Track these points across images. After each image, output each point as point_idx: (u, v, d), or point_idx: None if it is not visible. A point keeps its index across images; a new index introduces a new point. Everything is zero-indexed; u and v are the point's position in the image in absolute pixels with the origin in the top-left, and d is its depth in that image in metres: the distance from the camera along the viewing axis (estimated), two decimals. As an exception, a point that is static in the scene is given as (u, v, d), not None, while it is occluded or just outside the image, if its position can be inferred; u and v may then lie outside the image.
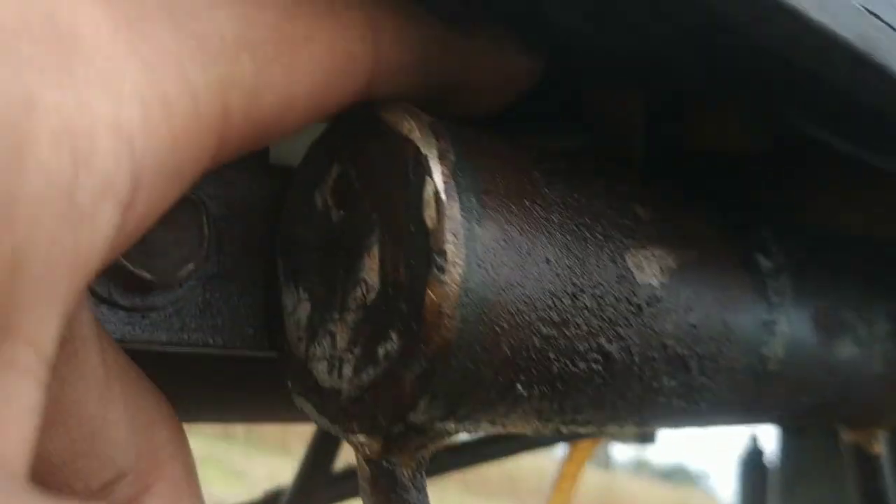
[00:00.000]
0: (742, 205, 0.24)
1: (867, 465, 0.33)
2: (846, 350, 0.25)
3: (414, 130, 0.16)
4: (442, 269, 0.15)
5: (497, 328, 0.16)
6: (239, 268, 0.19)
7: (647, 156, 0.24)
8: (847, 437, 0.33)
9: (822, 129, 0.23)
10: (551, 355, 0.17)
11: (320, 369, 0.18)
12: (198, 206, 0.18)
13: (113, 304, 0.17)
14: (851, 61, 0.17)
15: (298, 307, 0.19)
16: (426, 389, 0.16)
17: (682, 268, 0.20)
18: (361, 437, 0.17)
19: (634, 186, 0.20)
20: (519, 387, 0.17)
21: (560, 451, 0.54)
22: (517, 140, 0.19)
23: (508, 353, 0.16)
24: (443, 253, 0.15)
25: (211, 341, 0.19)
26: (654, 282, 0.19)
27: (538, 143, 0.20)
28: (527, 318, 0.16)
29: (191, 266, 0.18)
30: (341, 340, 0.17)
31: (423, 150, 0.16)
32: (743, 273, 0.22)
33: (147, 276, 0.17)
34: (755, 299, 0.22)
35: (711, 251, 0.21)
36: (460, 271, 0.15)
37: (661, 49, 0.21)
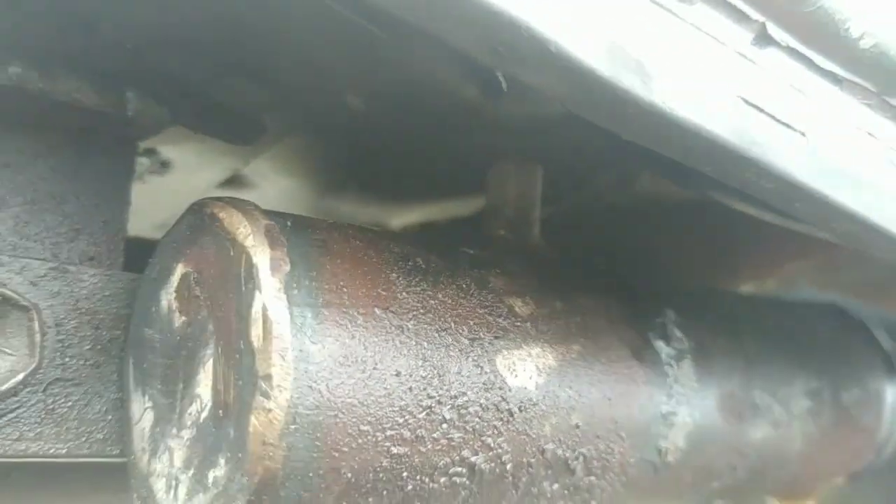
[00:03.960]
0: (643, 286, 0.23)
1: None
2: (759, 432, 0.24)
3: (248, 236, 0.15)
4: (267, 395, 0.14)
5: (335, 453, 0.15)
6: (87, 370, 0.18)
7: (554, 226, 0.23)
8: (777, 508, 0.32)
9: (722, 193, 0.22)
10: (404, 474, 0.16)
11: (159, 487, 0.16)
12: (28, 312, 0.17)
13: None
14: (725, 157, 0.16)
15: (143, 416, 0.17)
16: None
17: (563, 365, 0.19)
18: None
19: (514, 277, 0.19)
20: None
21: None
22: (382, 235, 0.18)
23: (351, 477, 0.15)
24: (268, 377, 0.14)
25: (52, 450, 0.17)
26: (530, 384, 0.18)
27: (415, 234, 0.19)
28: (372, 438, 0.15)
29: (19, 377, 0.16)
30: (178, 458, 0.16)
31: (255, 260, 0.15)
32: (637, 364, 0.20)
33: None
34: (651, 391, 0.21)
35: (601, 343, 0.20)
36: (287, 396, 0.14)
37: (556, 128, 0.20)
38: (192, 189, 0.27)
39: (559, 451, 0.18)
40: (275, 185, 0.28)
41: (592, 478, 0.20)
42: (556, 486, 0.19)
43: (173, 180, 0.27)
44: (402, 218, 0.31)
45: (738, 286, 0.33)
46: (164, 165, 0.26)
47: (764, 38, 0.16)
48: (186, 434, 0.16)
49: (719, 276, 0.32)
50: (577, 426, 0.19)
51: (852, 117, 0.17)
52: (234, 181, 0.28)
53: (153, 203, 0.26)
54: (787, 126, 0.15)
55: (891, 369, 0.31)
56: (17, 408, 0.17)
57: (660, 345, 0.21)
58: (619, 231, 0.28)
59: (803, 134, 0.16)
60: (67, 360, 0.18)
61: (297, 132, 0.23)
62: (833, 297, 0.34)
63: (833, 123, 0.17)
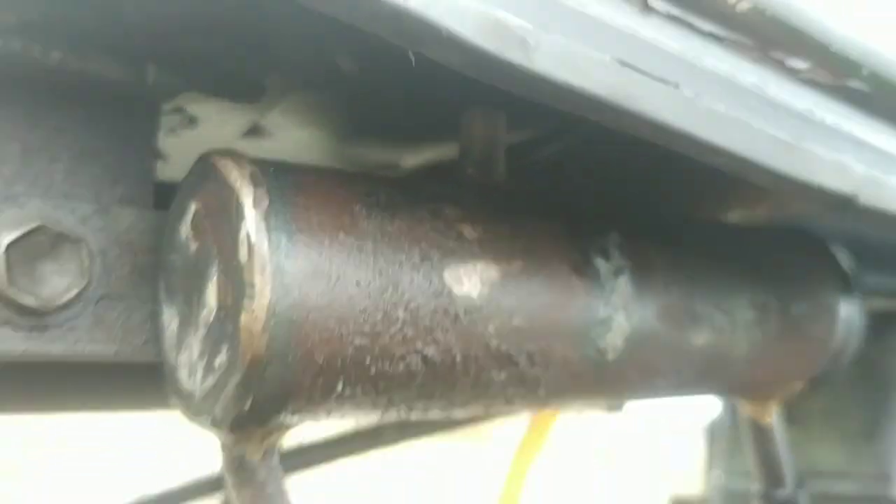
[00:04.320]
0: (592, 212, 0.26)
1: (760, 434, 0.35)
2: (701, 338, 0.28)
3: (237, 179, 0.20)
4: (252, 298, 0.19)
5: (308, 343, 0.19)
6: (127, 289, 0.23)
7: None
8: (743, 409, 0.36)
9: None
10: (367, 361, 0.20)
11: (183, 375, 0.21)
12: (77, 243, 0.21)
13: (14, 325, 0.21)
14: (604, 110, 0.19)
15: (171, 322, 0.22)
16: (248, 392, 0.19)
17: (505, 278, 0.23)
18: (212, 430, 0.21)
19: (466, 209, 0.23)
20: (340, 387, 0.20)
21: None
22: (354, 177, 0.22)
23: (322, 362, 0.20)
24: (252, 285, 0.19)
25: (103, 351, 0.22)
26: (474, 293, 0.22)
27: (383, 175, 0.23)
28: (337, 332, 0.20)
29: (73, 292, 0.21)
30: (195, 352, 0.21)
31: (241, 198, 0.19)
32: (577, 277, 0.24)
33: (32, 301, 0.21)
34: (589, 300, 0.24)
35: (542, 260, 0.24)
36: (266, 299, 0.19)
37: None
38: (219, 139, 0.31)
39: (503, 347, 0.23)
40: (291, 134, 0.33)
41: (537, 369, 0.24)
42: (503, 375, 0.23)
43: (202, 133, 0.31)
44: (415, 158, 0.35)
45: (725, 215, 0.37)
46: (192, 121, 0.30)
47: (646, 10, 0.19)
48: (201, 333, 0.21)
49: (706, 206, 0.35)
50: (519, 327, 0.23)
51: (731, 69, 0.20)
52: (254, 132, 0.32)
53: (187, 152, 0.30)
54: (661, 80, 0.19)
55: (845, 286, 0.34)
56: (74, 318, 0.22)
57: (600, 261, 0.25)
58: (601, 167, 0.31)
59: (676, 86, 0.19)
60: (111, 280, 0.23)
61: (297, 91, 0.28)
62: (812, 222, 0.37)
63: (710, 75, 0.20)
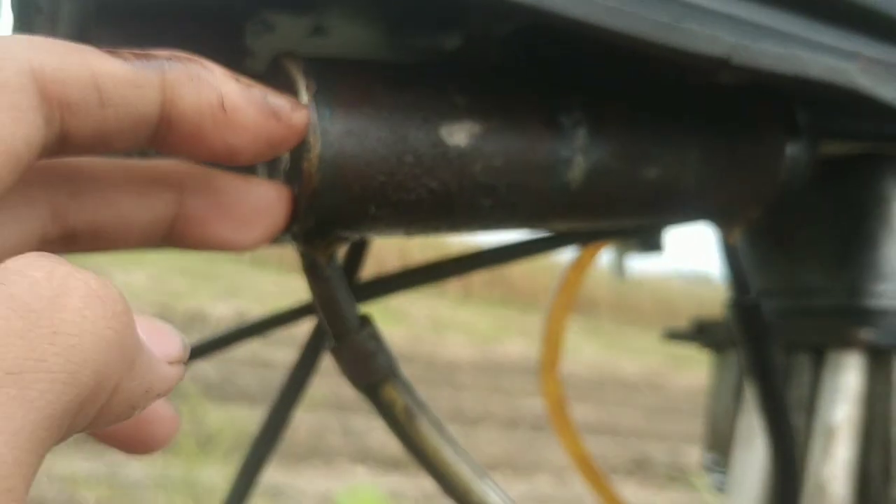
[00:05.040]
0: (561, 81, 0.35)
1: (729, 251, 0.44)
2: (652, 174, 0.37)
3: (294, 71, 0.30)
4: (308, 151, 0.29)
5: (349, 178, 0.30)
6: None
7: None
8: (714, 232, 0.45)
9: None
10: (389, 191, 0.31)
11: (272, 206, 0.32)
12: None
13: None
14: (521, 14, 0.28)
15: (260, 173, 0.33)
16: (312, 214, 0.30)
17: (487, 131, 0.32)
18: (293, 243, 0.32)
19: (460, 83, 0.33)
20: (372, 210, 0.31)
21: (562, 259, 0.67)
22: (378, 65, 0.32)
23: (359, 191, 0.30)
24: (308, 142, 0.29)
25: None
26: (462, 143, 0.32)
27: (401, 62, 0.33)
28: (366, 172, 0.30)
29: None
30: (279, 190, 0.32)
31: (298, 86, 0.29)
32: (544, 129, 0.34)
33: None
34: (555, 146, 0.34)
35: (517, 118, 0.33)
36: (317, 151, 0.29)
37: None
38: (291, 39, 0.41)
39: (487, 180, 0.32)
40: (346, 31, 0.42)
41: (514, 196, 0.33)
42: (489, 201, 0.33)
43: (280, 36, 0.41)
44: (451, 42, 0.44)
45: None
46: (270, 27, 0.40)
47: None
48: (281, 177, 0.31)
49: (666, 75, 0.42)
50: (499, 166, 0.32)
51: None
52: (318, 31, 0.42)
53: (268, 50, 0.40)
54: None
55: (793, 130, 0.41)
56: None
57: (564, 116, 0.34)
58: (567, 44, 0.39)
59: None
60: None
61: None
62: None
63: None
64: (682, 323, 0.67)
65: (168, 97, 0.19)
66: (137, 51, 0.19)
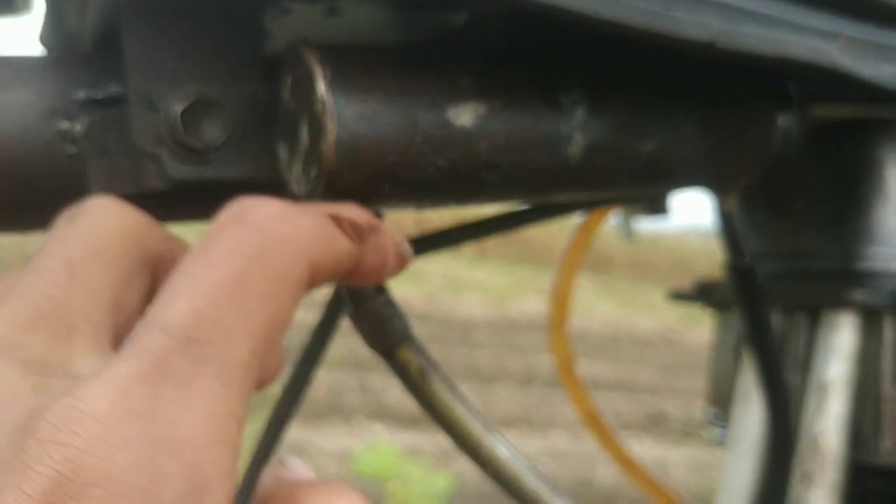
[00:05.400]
0: (561, 63, 0.37)
1: (724, 218, 0.46)
2: (648, 147, 0.39)
3: (311, 61, 0.32)
4: (326, 133, 0.31)
5: (363, 158, 0.32)
6: (256, 134, 0.36)
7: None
8: (711, 201, 0.47)
9: None
10: (400, 170, 0.33)
11: (293, 185, 0.35)
12: (222, 107, 0.35)
13: (189, 160, 0.35)
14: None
15: (283, 153, 0.36)
16: (330, 191, 0.33)
17: (492, 112, 0.35)
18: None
19: (468, 68, 0.35)
20: (385, 187, 0.33)
21: (572, 221, 0.69)
22: (388, 51, 0.34)
23: (373, 170, 0.33)
24: (325, 126, 0.31)
25: (245, 174, 0.36)
26: (468, 124, 0.34)
27: (409, 48, 0.35)
28: (380, 152, 0.33)
29: (223, 138, 0.35)
30: (299, 170, 0.34)
31: (314, 74, 0.32)
32: (544, 109, 0.36)
33: (199, 144, 0.34)
34: (554, 124, 0.36)
35: (520, 99, 0.35)
36: (334, 134, 0.31)
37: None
38: (308, 21, 0.43)
39: (492, 158, 0.35)
40: (357, 11, 0.44)
41: (518, 172, 0.36)
42: (494, 177, 0.35)
43: (296, 18, 0.44)
44: (458, 18, 0.46)
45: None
46: (286, 10, 0.43)
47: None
48: (301, 158, 0.34)
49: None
50: (502, 144, 0.35)
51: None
52: (333, 12, 0.44)
53: (286, 32, 0.43)
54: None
55: (784, 102, 0.43)
56: (224, 154, 0.35)
57: (563, 96, 0.36)
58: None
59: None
60: (245, 129, 0.36)
61: None
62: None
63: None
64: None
65: (360, 261, 0.27)
66: (348, 217, 0.28)
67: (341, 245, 0.25)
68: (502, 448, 0.38)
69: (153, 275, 0.23)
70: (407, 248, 0.31)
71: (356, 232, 0.27)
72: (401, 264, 0.30)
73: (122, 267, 0.22)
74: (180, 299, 0.18)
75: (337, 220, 0.26)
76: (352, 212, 0.27)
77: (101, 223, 0.22)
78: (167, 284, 0.19)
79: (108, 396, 0.16)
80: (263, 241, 0.21)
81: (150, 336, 0.18)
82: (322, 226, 0.25)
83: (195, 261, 0.20)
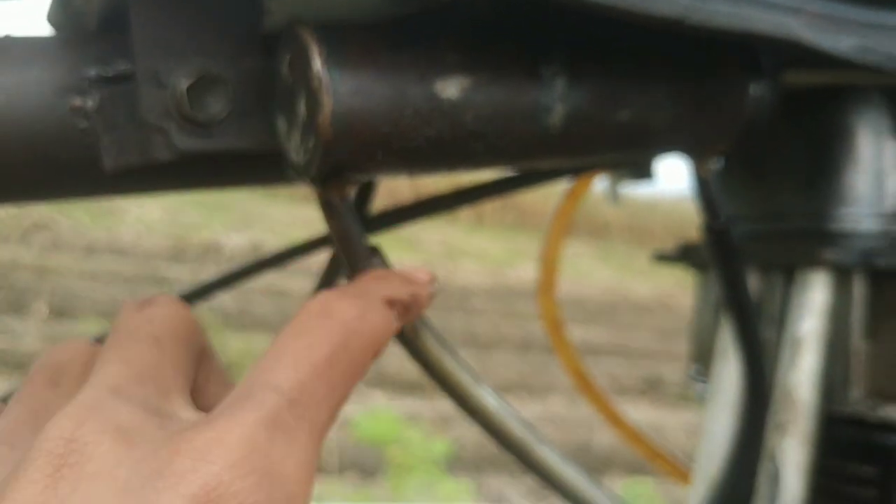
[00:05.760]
0: (544, 37, 0.40)
1: (700, 182, 0.49)
2: (624, 117, 0.41)
3: (307, 39, 0.34)
4: (322, 107, 0.34)
5: (357, 130, 0.35)
6: (256, 108, 0.39)
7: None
8: (689, 165, 0.49)
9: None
10: (392, 140, 0.36)
11: (292, 155, 0.37)
12: (225, 83, 0.37)
13: (194, 133, 0.37)
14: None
15: (282, 125, 0.38)
16: (328, 159, 0.35)
17: (476, 84, 0.37)
18: (311, 184, 0.37)
19: (454, 44, 0.37)
20: (379, 155, 0.36)
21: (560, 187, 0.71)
22: (379, 28, 0.36)
23: (367, 140, 0.35)
24: (321, 101, 0.34)
25: (247, 146, 0.39)
26: (454, 96, 0.37)
27: (400, 24, 0.37)
28: (374, 123, 0.35)
29: (226, 111, 0.37)
30: (297, 141, 0.37)
31: (310, 52, 0.34)
32: (527, 80, 0.38)
33: (203, 118, 0.37)
34: (536, 95, 0.38)
35: (504, 72, 0.38)
36: (330, 108, 0.34)
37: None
38: (313, 3, 0.46)
39: (478, 128, 0.37)
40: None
41: (502, 141, 0.38)
42: (480, 145, 0.38)
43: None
44: None
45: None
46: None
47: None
48: (299, 129, 0.36)
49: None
50: (487, 114, 0.37)
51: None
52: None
53: (284, 9, 0.45)
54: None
55: (756, 71, 0.46)
56: (227, 126, 0.37)
57: (544, 68, 0.38)
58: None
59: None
60: (246, 103, 0.38)
61: None
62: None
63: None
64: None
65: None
66: (399, 300, 0.33)
67: (395, 326, 0.31)
68: (489, 398, 0.41)
69: (198, 359, 0.29)
70: (436, 284, 0.35)
71: (405, 308, 0.32)
72: (431, 299, 0.34)
73: (188, 347, 0.27)
74: (288, 368, 0.24)
75: (391, 304, 0.31)
76: (400, 290, 0.32)
77: (171, 312, 0.28)
78: (268, 357, 0.25)
79: (239, 434, 0.21)
80: (347, 335, 0.27)
81: (264, 394, 0.23)
82: (384, 317, 0.30)
83: (295, 341, 0.26)
